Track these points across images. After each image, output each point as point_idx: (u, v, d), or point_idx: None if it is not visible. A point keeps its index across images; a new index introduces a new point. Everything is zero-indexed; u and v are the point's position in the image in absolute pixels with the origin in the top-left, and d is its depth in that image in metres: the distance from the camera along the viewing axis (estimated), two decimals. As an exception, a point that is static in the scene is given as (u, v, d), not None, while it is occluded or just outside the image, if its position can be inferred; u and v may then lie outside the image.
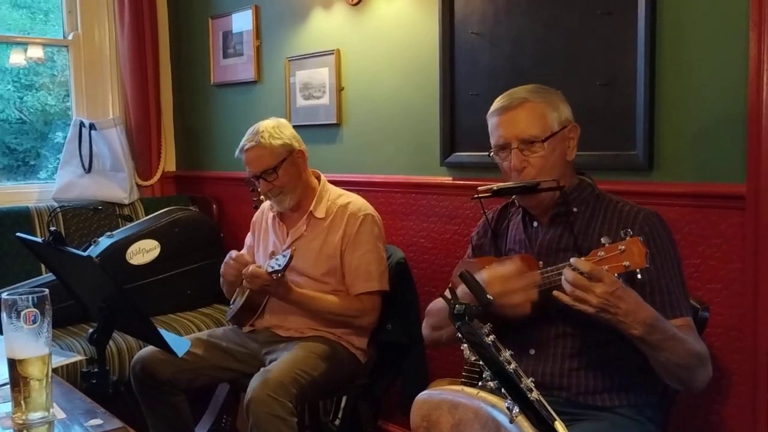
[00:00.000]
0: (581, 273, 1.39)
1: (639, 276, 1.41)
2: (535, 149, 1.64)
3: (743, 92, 1.80)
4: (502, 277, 1.57)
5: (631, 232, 1.40)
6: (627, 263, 1.38)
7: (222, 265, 2.42)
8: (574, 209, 1.68)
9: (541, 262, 1.62)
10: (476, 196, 1.70)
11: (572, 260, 1.41)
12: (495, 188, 1.65)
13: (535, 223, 1.75)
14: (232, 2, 3.55)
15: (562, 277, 1.43)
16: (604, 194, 1.72)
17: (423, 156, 2.71)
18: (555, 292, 1.45)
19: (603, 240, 1.42)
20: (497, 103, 1.71)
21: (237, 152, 2.42)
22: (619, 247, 1.39)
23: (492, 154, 1.73)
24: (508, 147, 1.67)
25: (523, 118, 1.65)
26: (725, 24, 1.86)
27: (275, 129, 2.38)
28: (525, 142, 1.64)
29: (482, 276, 1.60)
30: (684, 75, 1.96)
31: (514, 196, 1.77)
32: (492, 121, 1.71)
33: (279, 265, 2.11)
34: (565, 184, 1.67)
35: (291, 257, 2.11)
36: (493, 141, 1.71)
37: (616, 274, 1.40)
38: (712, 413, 1.96)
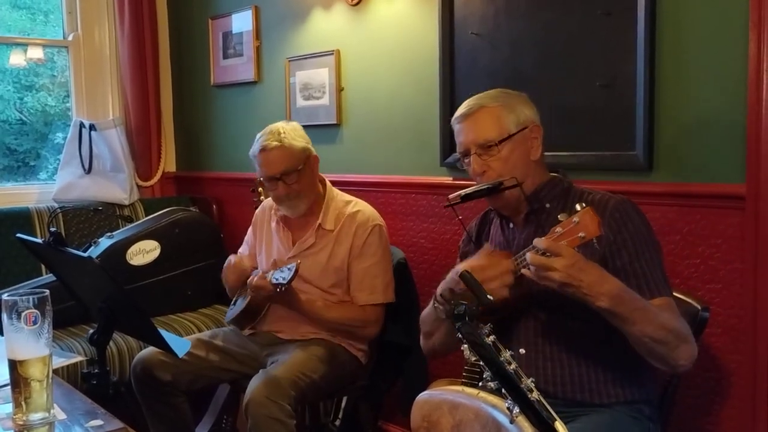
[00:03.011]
0: (540, 251, 1.42)
1: (597, 245, 1.45)
2: (493, 152, 1.68)
3: (743, 92, 1.80)
4: (478, 268, 1.59)
5: (584, 204, 1.41)
6: (582, 234, 1.40)
7: (223, 271, 2.44)
8: (547, 205, 1.70)
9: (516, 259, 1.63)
10: (448, 203, 1.74)
11: (534, 240, 1.45)
12: (463, 194, 1.70)
13: (511, 225, 1.77)
14: (232, 3, 3.56)
15: (526, 258, 1.46)
16: (575, 188, 1.73)
17: (423, 156, 2.71)
18: (523, 270, 1.50)
19: (560, 216, 1.44)
20: (457, 112, 1.76)
21: (254, 151, 2.33)
22: (573, 219, 1.41)
23: (459, 161, 1.77)
24: (469, 153, 1.71)
25: (479, 124, 1.70)
26: (725, 24, 1.87)
27: (295, 131, 2.33)
28: (482, 147, 1.68)
29: (457, 269, 1.63)
30: (683, 75, 1.96)
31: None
32: (455, 129, 1.77)
33: (284, 279, 2.09)
34: (533, 182, 1.71)
35: (296, 271, 2.08)
36: (457, 148, 1.76)
37: (576, 247, 1.41)
38: (712, 413, 1.97)
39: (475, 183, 1.72)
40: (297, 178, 2.29)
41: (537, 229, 1.67)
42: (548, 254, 1.41)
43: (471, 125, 1.71)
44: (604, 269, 1.47)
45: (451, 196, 1.73)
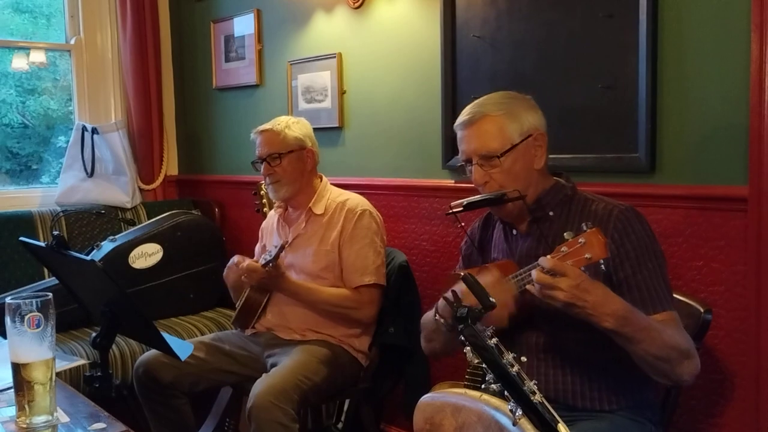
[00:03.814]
0: (546, 270, 1.40)
1: (603, 267, 1.44)
2: (495, 164, 1.65)
3: (745, 94, 1.80)
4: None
5: (591, 224, 1.40)
6: (588, 255, 1.38)
7: (225, 270, 2.46)
8: (550, 213, 1.68)
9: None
10: (450, 211, 1.72)
11: (540, 259, 1.42)
12: (465, 203, 1.68)
13: (515, 231, 1.76)
14: (234, 6, 3.56)
15: (531, 275, 1.44)
16: (579, 194, 1.71)
17: (425, 159, 2.71)
18: (527, 286, 1.48)
19: (566, 235, 1.42)
20: (460, 117, 1.72)
21: (252, 134, 2.50)
22: (579, 240, 1.39)
23: (461, 166, 1.76)
24: (471, 162, 1.69)
25: (481, 134, 1.66)
26: (726, 26, 1.87)
27: (294, 123, 2.48)
28: (484, 158, 1.65)
29: (460, 288, 1.61)
30: (685, 77, 1.96)
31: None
32: (457, 134, 1.74)
33: (270, 255, 2.22)
34: (536, 190, 1.69)
35: (282, 247, 2.23)
36: (460, 155, 1.74)
37: (582, 267, 1.40)
38: (715, 415, 1.96)
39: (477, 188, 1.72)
40: (280, 162, 2.40)
41: (540, 238, 1.66)
42: (553, 273, 1.40)
43: (473, 134, 1.67)
44: (609, 289, 1.45)
45: (453, 203, 1.70)
